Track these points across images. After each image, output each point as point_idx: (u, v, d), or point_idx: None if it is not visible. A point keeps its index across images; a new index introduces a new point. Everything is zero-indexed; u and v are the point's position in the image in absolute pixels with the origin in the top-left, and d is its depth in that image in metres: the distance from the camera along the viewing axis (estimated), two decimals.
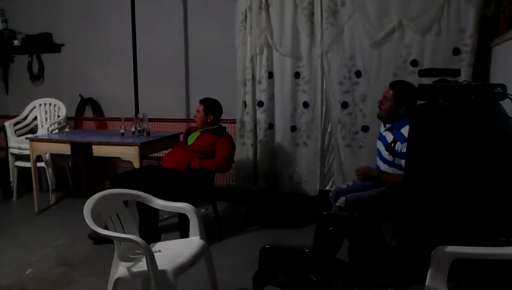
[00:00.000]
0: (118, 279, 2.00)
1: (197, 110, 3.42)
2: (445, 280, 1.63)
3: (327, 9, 3.52)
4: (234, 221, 3.77)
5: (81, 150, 3.71)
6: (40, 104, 4.64)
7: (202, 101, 3.43)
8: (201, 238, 2.24)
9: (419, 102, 2.07)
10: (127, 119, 3.80)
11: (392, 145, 2.58)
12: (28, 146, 3.81)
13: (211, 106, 3.39)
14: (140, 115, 3.94)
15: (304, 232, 3.25)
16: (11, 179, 4.37)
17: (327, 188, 3.82)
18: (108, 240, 2.50)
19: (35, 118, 4.65)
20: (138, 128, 3.77)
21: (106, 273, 2.06)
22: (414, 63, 3.38)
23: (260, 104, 3.86)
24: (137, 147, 3.36)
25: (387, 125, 2.70)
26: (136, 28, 4.27)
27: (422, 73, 2.32)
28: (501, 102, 1.88)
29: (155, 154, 3.96)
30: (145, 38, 4.38)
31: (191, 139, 3.44)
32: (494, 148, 1.81)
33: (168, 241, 2.34)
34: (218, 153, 3.26)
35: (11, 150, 4.32)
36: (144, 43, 4.36)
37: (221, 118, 3.48)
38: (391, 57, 3.44)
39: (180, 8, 4.41)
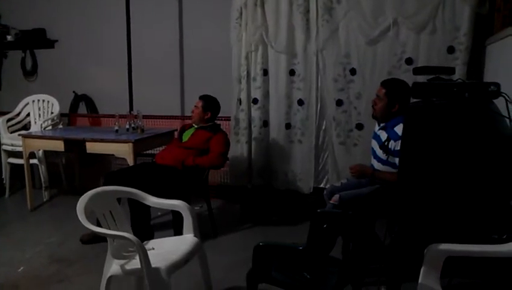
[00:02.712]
0: (111, 276, 2.00)
1: (196, 106, 3.41)
2: (438, 277, 1.63)
3: (322, 6, 3.52)
4: (228, 218, 3.76)
5: (75, 147, 3.68)
6: (34, 101, 4.60)
7: (202, 98, 3.43)
8: (195, 235, 2.23)
9: (413, 100, 2.08)
10: (121, 116, 3.78)
11: (386, 143, 2.58)
12: (20, 143, 3.78)
13: (211, 104, 3.39)
14: (134, 112, 3.92)
15: (298, 230, 3.25)
16: (3, 176, 4.34)
17: (321, 185, 3.83)
18: (101, 239, 2.49)
19: (28, 115, 4.62)
20: (132, 125, 3.75)
21: (99, 271, 2.05)
22: (409, 61, 3.39)
23: (255, 101, 3.85)
24: (131, 144, 3.34)
25: (381, 124, 2.71)
26: (130, 24, 4.25)
27: (417, 71, 2.32)
28: (495, 100, 1.89)
29: (149, 151, 3.95)
30: (139, 34, 4.35)
31: (186, 136, 3.43)
32: (488, 146, 1.82)
33: (161, 239, 2.34)
34: (212, 149, 3.26)
35: (3, 147, 4.29)
36: (138, 40, 4.34)
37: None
38: (386, 54, 3.45)
39: (175, 5, 4.39)
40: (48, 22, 4.89)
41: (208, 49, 4.25)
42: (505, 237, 1.79)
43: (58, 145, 3.62)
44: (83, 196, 2.03)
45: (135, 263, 1.94)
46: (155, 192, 2.37)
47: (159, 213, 3.61)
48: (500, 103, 1.87)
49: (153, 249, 2.11)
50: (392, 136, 2.56)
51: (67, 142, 3.59)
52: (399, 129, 2.48)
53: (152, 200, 2.32)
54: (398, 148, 2.43)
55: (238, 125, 3.92)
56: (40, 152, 4.11)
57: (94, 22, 4.70)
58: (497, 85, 1.84)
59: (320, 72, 3.67)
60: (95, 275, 2.18)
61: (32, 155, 3.92)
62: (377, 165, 2.70)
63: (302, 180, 3.84)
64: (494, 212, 1.85)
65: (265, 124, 3.89)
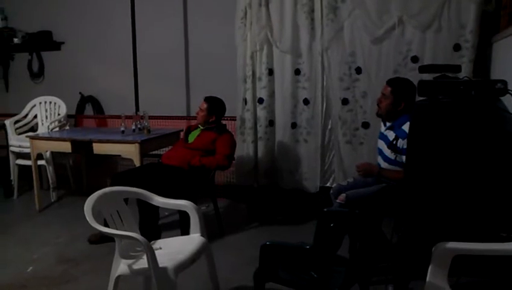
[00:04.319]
0: (119, 276, 2.01)
1: (200, 108, 3.41)
2: (445, 276, 1.63)
3: (327, 5, 3.51)
4: (235, 218, 3.77)
5: (82, 148, 3.70)
6: (41, 102, 4.64)
7: (207, 100, 3.41)
8: (202, 235, 2.24)
9: (420, 98, 2.07)
10: (127, 117, 3.79)
11: (394, 142, 2.57)
12: (28, 144, 3.81)
13: (215, 107, 3.39)
14: (140, 113, 3.94)
15: (305, 229, 3.25)
16: (11, 178, 4.37)
17: (328, 184, 3.82)
18: (108, 239, 2.51)
19: (35, 116, 4.65)
20: (138, 125, 3.77)
21: (107, 270, 2.07)
22: (414, 59, 3.37)
23: (260, 101, 3.85)
24: (137, 144, 3.35)
25: (388, 124, 2.70)
26: (136, 25, 4.27)
27: (423, 69, 2.32)
28: (502, 98, 1.88)
29: (156, 152, 3.96)
30: (145, 35, 4.37)
31: (192, 137, 3.44)
32: (495, 144, 1.81)
33: (168, 239, 2.35)
34: (219, 150, 3.27)
35: (11, 148, 4.32)
36: (143, 40, 4.36)
37: None
38: (391, 53, 3.43)
39: (180, 5, 4.40)
40: (54, 24, 4.92)
41: (212, 49, 4.26)
42: None
43: (66, 147, 3.64)
44: (90, 197, 2.05)
45: (143, 263, 1.95)
46: (162, 192, 2.38)
47: (166, 213, 3.63)
48: (507, 100, 1.86)
49: (160, 248, 2.12)
50: (400, 134, 2.55)
51: (75, 143, 3.61)
52: (407, 127, 2.46)
53: (159, 200, 2.33)
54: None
55: (243, 125, 3.92)
56: (48, 153, 4.14)
57: (100, 24, 4.73)
58: (504, 82, 1.83)
59: (325, 71, 3.66)
60: (103, 275, 2.19)
61: (39, 156, 3.94)
62: (383, 164, 2.69)
63: (308, 180, 3.83)
64: (502, 210, 1.84)
65: (271, 123, 3.89)
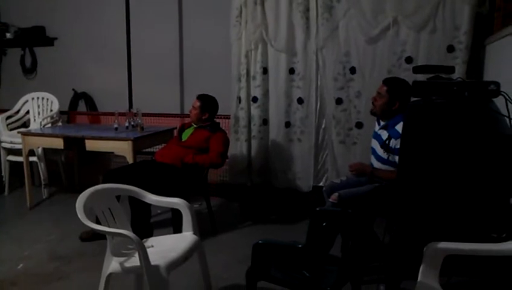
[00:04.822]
0: (110, 274, 2.00)
1: (193, 106, 3.40)
2: (437, 275, 1.64)
3: (322, 5, 3.52)
4: (228, 217, 3.76)
5: (74, 144, 3.68)
6: (33, 98, 4.60)
7: (199, 98, 3.41)
8: (194, 233, 2.23)
9: (413, 98, 2.08)
10: (120, 114, 3.77)
11: (387, 142, 2.58)
12: (20, 140, 3.77)
13: (208, 104, 3.38)
14: (134, 110, 3.92)
15: (298, 228, 3.25)
16: (3, 174, 4.34)
17: (321, 184, 3.83)
18: (100, 236, 2.49)
19: (27, 112, 4.61)
20: (132, 123, 3.75)
21: (99, 268, 2.05)
22: (409, 59, 3.39)
23: (254, 99, 3.85)
24: (130, 141, 3.34)
25: (382, 123, 2.71)
26: (130, 21, 4.24)
27: (417, 70, 2.33)
28: (494, 99, 1.89)
29: (149, 149, 3.95)
30: (139, 32, 4.35)
31: (186, 136, 3.43)
32: (487, 145, 1.82)
33: (161, 237, 2.34)
34: (212, 148, 3.26)
35: (3, 144, 4.28)
36: (138, 37, 4.34)
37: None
38: (386, 53, 3.44)
39: (175, 2, 4.38)
40: (47, 19, 4.88)
41: (207, 47, 4.25)
42: (504, 235, 1.80)
43: (58, 143, 3.61)
44: (82, 194, 2.03)
45: (134, 261, 1.94)
46: (154, 190, 2.37)
47: (159, 211, 3.61)
48: (499, 102, 1.87)
49: (152, 246, 2.11)
50: (393, 134, 2.56)
51: (67, 139, 3.58)
52: (400, 127, 2.47)
53: (151, 198, 2.32)
54: (399, 146, 2.43)
55: (237, 124, 3.92)
56: (40, 150, 4.11)
57: (93, 20, 4.70)
58: (497, 84, 1.84)
59: (320, 70, 3.67)
60: (94, 273, 2.18)
61: (31, 153, 3.91)
62: (376, 164, 2.70)
63: (302, 179, 3.84)
64: (493, 211, 1.85)
65: (265, 122, 3.89)
